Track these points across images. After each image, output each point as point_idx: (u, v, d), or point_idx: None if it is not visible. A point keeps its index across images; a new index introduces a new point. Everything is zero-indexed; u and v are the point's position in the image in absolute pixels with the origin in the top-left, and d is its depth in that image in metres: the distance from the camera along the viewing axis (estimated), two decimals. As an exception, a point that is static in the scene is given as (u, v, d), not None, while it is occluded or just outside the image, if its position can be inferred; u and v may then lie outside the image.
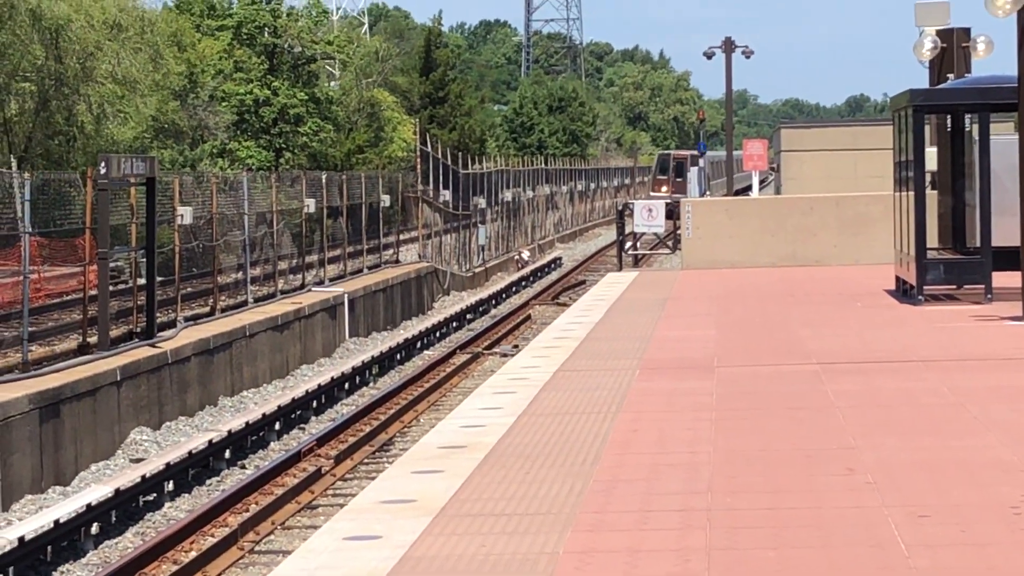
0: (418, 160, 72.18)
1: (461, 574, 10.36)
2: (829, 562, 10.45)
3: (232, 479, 27.07)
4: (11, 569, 20.21)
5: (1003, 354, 21.12)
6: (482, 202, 73.47)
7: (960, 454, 14.03)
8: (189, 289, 40.36)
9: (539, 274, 72.36)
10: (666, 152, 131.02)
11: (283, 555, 19.24)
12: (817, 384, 18.68)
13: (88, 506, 22.85)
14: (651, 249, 56.29)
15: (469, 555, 10.84)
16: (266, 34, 76.58)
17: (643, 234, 52.08)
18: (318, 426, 32.09)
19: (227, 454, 28.51)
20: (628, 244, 52.49)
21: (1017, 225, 25.08)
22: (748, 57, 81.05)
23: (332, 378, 36.46)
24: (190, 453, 27.03)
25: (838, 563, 10.42)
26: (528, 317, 52.24)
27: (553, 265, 76.87)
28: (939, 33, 33.35)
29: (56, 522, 21.86)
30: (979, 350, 21.68)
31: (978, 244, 28.48)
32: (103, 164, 32.53)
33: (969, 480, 12.90)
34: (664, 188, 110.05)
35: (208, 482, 27.04)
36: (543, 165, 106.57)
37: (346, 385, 37.13)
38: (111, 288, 33.01)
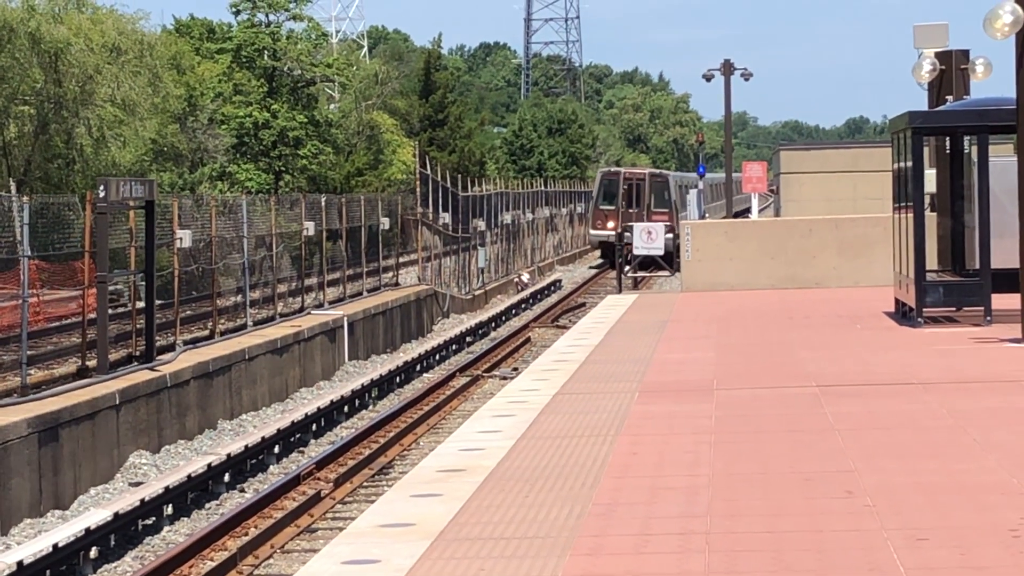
0: (417, 183, 72.21)
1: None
2: (828, 586, 10.46)
3: (231, 503, 27.05)
4: (6, 596, 20.21)
5: (1003, 376, 21.13)
6: (482, 224, 73.52)
7: (960, 477, 14.04)
8: (188, 312, 40.40)
9: (539, 296, 72.28)
10: (613, 170, 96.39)
11: (282, 579, 19.24)
12: (816, 407, 18.70)
13: (87, 530, 22.84)
14: (648, 272, 56.80)
15: (468, 579, 10.87)
16: (265, 57, 76.77)
17: (641, 254, 52.09)
18: (317, 449, 32.06)
19: (226, 477, 28.48)
20: (627, 267, 52.64)
21: (1016, 247, 25.14)
22: (747, 79, 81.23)
23: (331, 401, 36.45)
24: (189, 477, 27.02)
25: (837, 586, 10.44)
26: (528, 340, 52.22)
27: (553, 287, 76.86)
28: (938, 55, 33.45)
29: (55, 546, 21.84)
30: (979, 372, 21.70)
31: (977, 266, 28.55)
32: (102, 187, 32.59)
33: (969, 503, 12.91)
34: (611, 223, 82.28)
35: (207, 505, 27.01)
36: (543, 187, 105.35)
37: (345, 408, 37.11)
38: (110, 311, 33.04)
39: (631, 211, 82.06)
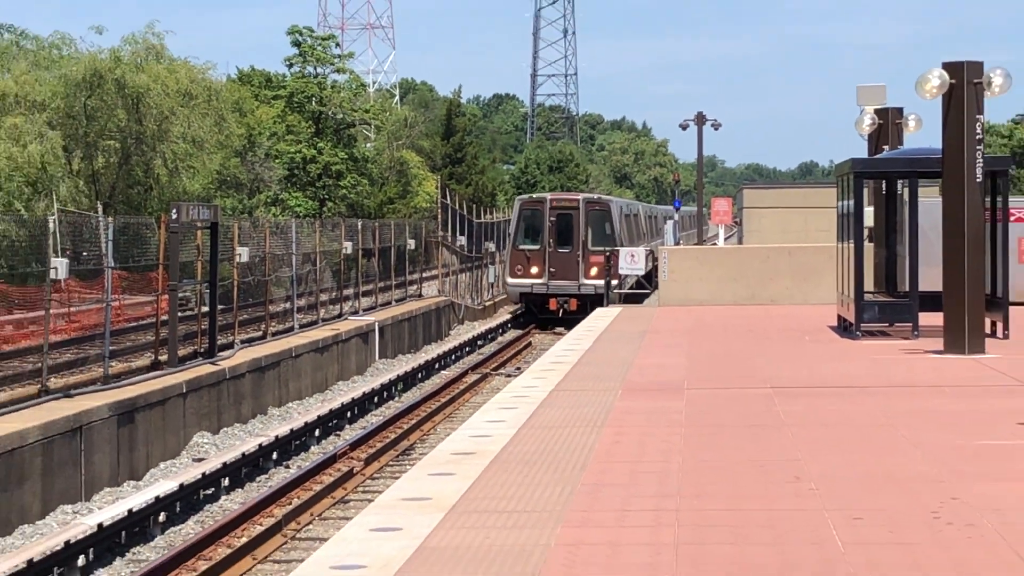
0: (439, 210, 72.26)
1: (468, 563, 10.36)
2: (778, 556, 10.46)
3: (278, 477, 27.09)
4: (91, 551, 20.24)
5: (927, 382, 21.13)
6: (492, 246, 73.38)
7: (890, 467, 14.04)
8: (245, 316, 40.41)
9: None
10: (535, 197, 61.55)
11: (320, 542, 19.24)
12: (770, 406, 18.69)
13: (157, 498, 22.89)
14: (629, 293, 55.69)
15: (475, 546, 10.86)
16: (313, 103, 76.78)
17: (627, 274, 52.03)
18: (351, 433, 32.09)
19: (274, 456, 28.54)
20: (615, 283, 52.46)
21: (939, 274, 25.20)
22: (716, 128, 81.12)
23: (364, 393, 36.49)
24: (243, 455, 27.06)
25: (785, 557, 10.43)
26: (529, 344, 52.21)
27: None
28: (877, 111, 33.47)
29: (129, 511, 21.87)
30: (907, 378, 21.69)
31: (907, 289, 28.55)
32: (175, 211, 32.70)
33: (897, 489, 12.92)
34: (535, 268, 56.23)
35: (258, 479, 27.06)
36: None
37: (375, 399, 37.14)
38: (179, 314, 33.08)
39: (562, 251, 54.66)
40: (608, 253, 49.91)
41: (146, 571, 18.72)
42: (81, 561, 19.87)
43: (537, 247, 55.34)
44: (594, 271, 53.14)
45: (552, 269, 54.19)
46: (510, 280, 56.15)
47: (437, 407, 35.04)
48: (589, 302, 49.14)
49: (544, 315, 53.74)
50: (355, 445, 28.91)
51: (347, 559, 10.48)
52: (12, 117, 52.80)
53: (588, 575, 9.97)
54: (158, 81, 55.77)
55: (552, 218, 55.32)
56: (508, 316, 57.99)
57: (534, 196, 60.52)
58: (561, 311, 52.67)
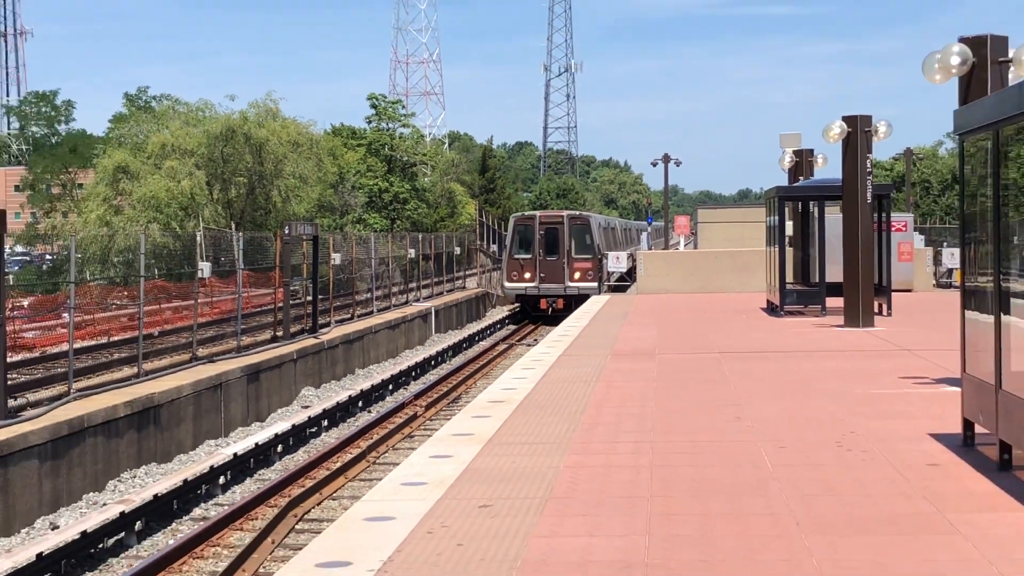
0: (477, 226, 72.22)
1: (501, 479, 10.39)
2: (725, 474, 10.46)
3: (363, 419, 27.12)
4: (228, 472, 20.31)
5: (832, 348, 21.10)
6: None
7: (805, 409, 14.04)
8: (338, 303, 40.39)
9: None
10: (527, 215, 55.40)
11: (393, 466, 19.26)
12: (718, 365, 18.70)
13: (276, 435, 22.98)
14: (617, 281, 55.34)
15: (506, 467, 10.88)
16: (386, 149, 76.82)
17: (613, 271, 51.99)
18: (415, 387, 32.08)
19: (360, 404, 28.57)
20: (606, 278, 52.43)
21: (840, 269, 25.19)
22: (678, 165, 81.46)
23: (424, 358, 36.48)
24: (337, 403, 27.12)
25: (731, 473, 10.44)
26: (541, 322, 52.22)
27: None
28: (794, 151, 33.36)
29: (256, 444, 21.99)
30: (817, 345, 21.66)
31: (817, 280, 28.54)
32: (287, 228, 32.86)
33: (810, 425, 12.91)
34: (528, 274, 50.41)
35: (348, 421, 27.10)
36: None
37: (432, 362, 37.12)
38: (291, 302, 33.16)
39: (550, 259, 49.69)
40: (599, 258, 47.90)
41: (268, 487, 18.76)
42: (222, 480, 19.95)
43: (529, 256, 49.78)
44: (577, 275, 49.43)
45: (542, 274, 49.27)
46: (507, 284, 50.60)
47: (477, 368, 35.01)
48: (574, 301, 44.96)
49: (536, 313, 49.97)
50: (418, 396, 28.94)
51: (413, 477, 10.51)
52: (170, 161, 53.09)
53: (587, 489, 9.99)
54: (274, 134, 55.91)
55: (541, 231, 50.11)
56: (508, 313, 53.52)
57: (526, 213, 54.44)
58: (550, 309, 48.89)
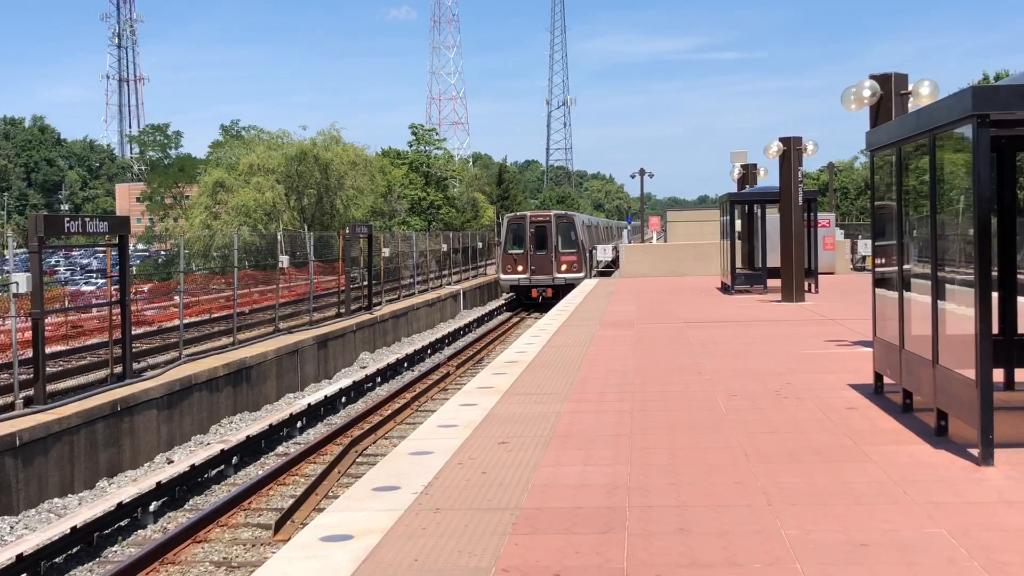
0: (495, 226, 72.16)
1: (515, 421, 10.40)
2: (689, 415, 10.46)
3: (408, 376, 27.13)
4: (304, 419, 20.37)
5: (772, 318, 21.05)
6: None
7: (752, 366, 14.03)
8: (387, 287, 40.38)
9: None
10: (519, 215, 48.63)
11: (431, 413, 19.37)
12: (683, 332, 18.68)
13: (340, 389, 23.02)
14: (604, 268, 54.71)
15: (519, 412, 10.89)
16: (424, 167, 76.81)
17: (601, 260, 51.84)
18: (448, 351, 32.08)
19: (405, 364, 28.57)
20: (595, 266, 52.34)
21: (778, 257, 25.10)
22: (652, 176, 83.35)
23: (455, 328, 36.42)
24: (387, 364, 27.10)
25: (693, 416, 10.44)
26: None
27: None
28: (742, 165, 33.23)
29: (325, 396, 22.02)
30: (760, 316, 21.62)
31: (760, 265, 28.45)
32: (348, 228, 32.85)
33: (756, 378, 12.90)
34: (520, 267, 45.59)
35: (397, 377, 27.13)
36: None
37: (461, 332, 37.09)
38: (352, 286, 33.18)
39: (539, 254, 44.85)
40: (583, 252, 45.29)
41: (335, 430, 18.82)
42: (299, 424, 20.01)
43: (521, 251, 44.89)
44: (564, 267, 44.93)
45: (533, 267, 44.78)
46: (503, 276, 45.42)
47: (495, 336, 34.99)
48: (561, 290, 41.76)
49: (528, 301, 45.14)
50: (450, 358, 28.95)
51: (447, 421, 10.55)
52: (256, 177, 53.20)
53: (582, 429, 10.01)
54: (337, 156, 55.98)
55: (532, 229, 45.05)
56: (504, 301, 48.43)
57: (518, 213, 48.12)
58: (540, 297, 44.78)
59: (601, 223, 68.75)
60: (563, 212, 47.29)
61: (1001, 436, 8.51)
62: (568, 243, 45.58)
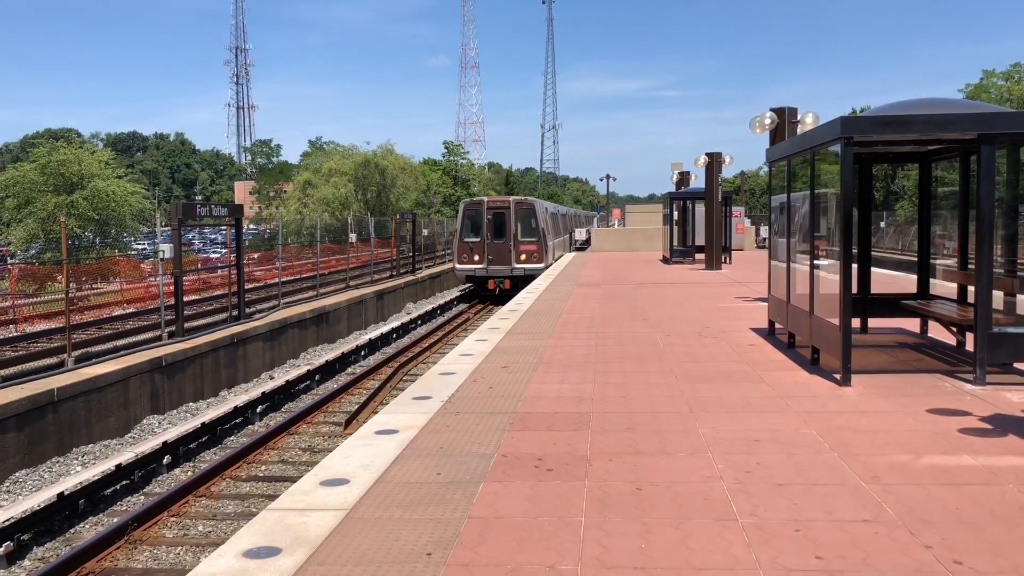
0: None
1: (515, 352, 10.36)
2: (636, 349, 10.41)
3: (440, 320, 26.60)
4: (366, 349, 20.28)
5: (698, 281, 20.90)
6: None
7: (684, 313, 13.95)
8: (426, 257, 40.15)
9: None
10: (475, 200, 28.29)
11: (454, 346, 19.13)
12: (635, 290, 18.57)
13: (392, 328, 22.77)
14: (580, 246, 53.59)
15: (518, 346, 10.84)
16: (453, 171, 76.30)
17: (578, 240, 51.45)
18: (470, 301, 31.85)
19: (438, 312, 27.95)
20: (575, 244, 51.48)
21: (703, 237, 24.90)
22: (615, 180, 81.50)
23: (474, 287, 35.99)
24: (426, 311, 26.66)
25: (639, 349, 10.39)
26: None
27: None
28: (679, 172, 32.98)
29: (382, 334, 21.77)
30: (689, 279, 21.48)
31: (690, 244, 28.25)
32: (399, 215, 32.63)
33: (686, 323, 12.84)
34: (477, 256, 28.53)
35: (432, 321, 26.61)
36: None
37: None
38: (401, 257, 32.95)
39: (497, 242, 29.32)
40: (543, 241, 31.10)
41: (387, 357, 18.74)
42: (363, 353, 19.96)
43: (478, 239, 29.33)
44: (523, 257, 31.16)
45: (490, 257, 29.24)
46: (458, 266, 29.79)
47: (504, 292, 34.58)
48: (520, 281, 30.11)
49: (484, 293, 31.54)
50: (469, 307, 28.68)
51: (466, 351, 10.50)
52: (334, 178, 52.87)
53: (560, 358, 9.98)
54: (391, 163, 55.43)
55: (489, 216, 29.31)
56: (459, 292, 35.12)
57: (475, 199, 30.76)
58: (498, 289, 30.85)
59: (570, 212, 57.12)
60: (523, 198, 31.07)
61: (856, 365, 8.55)
62: (528, 231, 30.49)
